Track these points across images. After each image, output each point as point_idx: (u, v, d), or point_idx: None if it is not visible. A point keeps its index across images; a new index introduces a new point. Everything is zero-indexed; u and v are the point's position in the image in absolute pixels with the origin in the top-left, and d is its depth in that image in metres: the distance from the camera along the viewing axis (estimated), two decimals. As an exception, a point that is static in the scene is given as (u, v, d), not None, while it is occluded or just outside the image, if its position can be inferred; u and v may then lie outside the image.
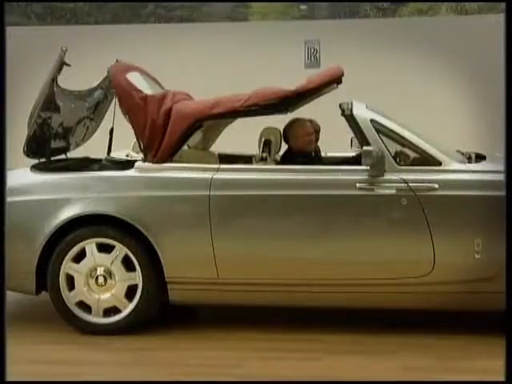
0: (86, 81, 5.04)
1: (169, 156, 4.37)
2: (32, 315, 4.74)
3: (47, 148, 4.63)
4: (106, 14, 9.41)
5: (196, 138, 4.79)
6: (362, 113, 4.29)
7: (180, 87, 4.85)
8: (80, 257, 4.30)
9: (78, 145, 5.24)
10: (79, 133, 5.16)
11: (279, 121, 4.79)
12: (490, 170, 4.15)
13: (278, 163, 4.83)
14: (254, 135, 4.87)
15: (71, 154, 5.16)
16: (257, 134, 4.85)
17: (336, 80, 4.47)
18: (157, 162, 4.35)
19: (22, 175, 4.55)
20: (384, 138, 4.20)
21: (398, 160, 4.23)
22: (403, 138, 4.28)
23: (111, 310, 4.29)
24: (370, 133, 4.19)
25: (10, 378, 3.23)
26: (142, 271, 4.23)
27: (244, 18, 9.51)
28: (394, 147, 4.31)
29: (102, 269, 4.27)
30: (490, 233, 3.97)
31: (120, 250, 4.24)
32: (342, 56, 8.59)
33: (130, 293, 4.27)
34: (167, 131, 4.36)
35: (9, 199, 4.16)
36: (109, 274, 4.28)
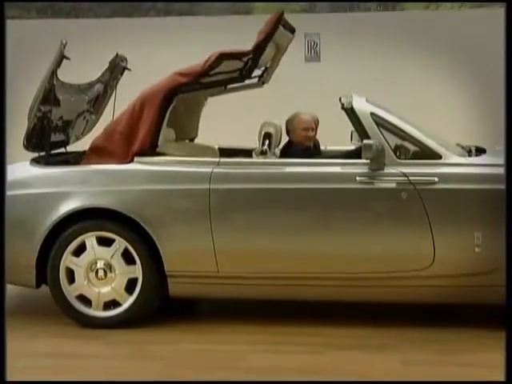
0: (85, 74, 5.04)
1: (151, 143, 4.35)
2: (32, 308, 4.74)
3: (47, 142, 4.62)
4: (106, 8, 9.40)
5: (177, 128, 4.80)
6: (361, 106, 4.28)
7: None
8: (80, 250, 4.30)
9: (77, 138, 5.24)
10: (79, 126, 5.16)
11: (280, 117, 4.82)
12: (490, 164, 4.14)
13: (278, 157, 4.82)
14: (254, 129, 4.86)
15: (71, 148, 5.15)
16: (257, 128, 4.84)
17: (279, 21, 4.42)
18: (141, 153, 4.33)
19: (21, 169, 4.55)
20: (384, 132, 4.20)
21: (397, 153, 4.23)
22: (403, 131, 4.28)
23: (111, 304, 4.30)
24: (370, 126, 4.19)
25: (9, 371, 3.23)
26: (142, 265, 4.23)
27: (244, 12, 9.49)
28: (394, 141, 4.30)
29: (102, 262, 4.27)
30: (490, 226, 3.97)
31: (120, 243, 4.24)
32: (342, 49, 8.62)
33: (130, 286, 4.27)
34: (142, 119, 4.35)
35: (8, 193, 4.15)
36: (109, 268, 4.28)
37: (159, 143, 4.48)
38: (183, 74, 4.42)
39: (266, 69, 5.12)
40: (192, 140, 5.37)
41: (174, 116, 4.61)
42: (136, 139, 4.35)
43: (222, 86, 4.91)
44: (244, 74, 4.46)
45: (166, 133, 4.66)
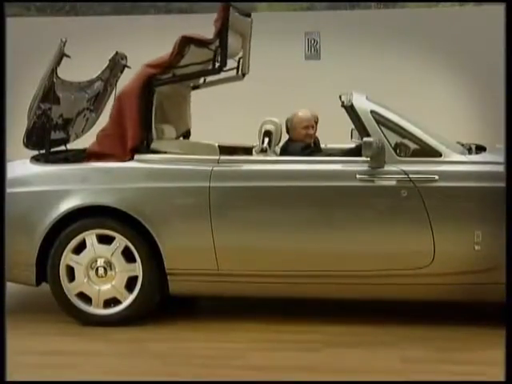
0: (85, 72, 5.03)
1: (142, 138, 4.38)
2: (32, 306, 4.75)
3: (47, 139, 4.62)
4: (106, 6, 9.36)
5: (168, 124, 4.86)
6: (362, 104, 4.28)
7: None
8: (80, 248, 4.30)
9: (77, 136, 5.24)
10: (79, 124, 5.16)
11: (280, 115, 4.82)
12: (490, 162, 4.14)
13: (278, 155, 4.83)
14: (254, 126, 4.87)
15: (71, 146, 5.15)
16: (257, 126, 4.84)
17: (228, 8, 4.41)
18: (136, 150, 4.35)
19: (21, 166, 4.55)
20: (384, 129, 4.20)
21: (398, 151, 4.23)
22: (403, 129, 4.28)
23: (111, 302, 4.30)
24: (370, 124, 4.19)
25: (9, 369, 3.23)
26: (142, 262, 4.23)
27: (247, 9, 9.46)
28: (395, 138, 4.30)
29: (103, 260, 4.28)
30: (490, 224, 3.97)
31: (120, 241, 4.24)
32: (342, 47, 8.61)
33: (131, 284, 4.28)
34: (126, 116, 4.38)
35: (8, 190, 4.15)
36: (109, 266, 4.28)
37: (157, 141, 4.50)
38: (152, 65, 4.47)
39: (239, 59, 5.14)
40: (188, 133, 5.38)
41: (162, 113, 4.67)
42: (127, 137, 4.36)
43: (198, 77, 4.98)
44: (218, 65, 4.45)
45: (166, 130, 4.67)
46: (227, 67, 4.61)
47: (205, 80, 5.22)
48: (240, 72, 5.19)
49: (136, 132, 4.36)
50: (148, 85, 4.41)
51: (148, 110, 4.42)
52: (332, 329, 4.18)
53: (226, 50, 4.40)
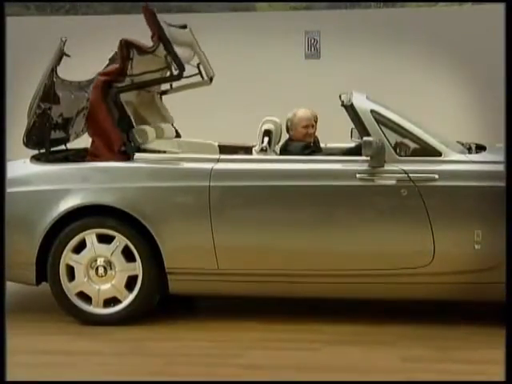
0: (85, 72, 5.03)
1: (124, 140, 4.44)
2: (32, 306, 4.75)
3: (47, 139, 4.62)
4: (105, 5, 9.36)
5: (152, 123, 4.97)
6: (362, 103, 4.28)
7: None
8: (80, 247, 4.30)
9: (77, 135, 5.23)
10: (79, 123, 5.15)
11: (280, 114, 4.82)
12: (490, 161, 4.14)
13: (278, 154, 4.83)
14: (254, 126, 4.87)
15: (71, 145, 5.15)
16: (257, 125, 4.85)
17: (151, 15, 4.47)
18: (124, 152, 4.39)
19: (21, 166, 4.55)
20: (384, 129, 4.20)
21: (398, 151, 4.23)
22: (403, 128, 4.28)
23: (111, 301, 4.30)
24: (370, 123, 4.19)
25: (9, 368, 3.24)
26: (142, 262, 4.23)
27: (245, 9, 9.45)
28: (394, 138, 4.30)
29: (102, 259, 4.28)
30: (490, 223, 3.97)
31: (120, 240, 4.24)
32: (342, 46, 8.60)
33: (130, 283, 4.28)
34: (101, 123, 4.48)
35: (9, 190, 4.16)
36: (109, 265, 4.28)
37: (157, 140, 4.51)
38: (104, 73, 4.62)
39: (198, 65, 5.22)
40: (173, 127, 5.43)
41: (140, 116, 4.85)
42: (112, 141, 4.42)
43: (159, 84, 5.09)
44: (178, 72, 4.51)
45: (167, 130, 4.68)
46: (190, 73, 4.72)
47: (171, 86, 5.31)
48: (206, 76, 5.26)
49: (116, 134, 4.43)
50: (107, 91, 4.51)
51: (120, 111, 4.51)
52: (332, 328, 4.18)
53: (176, 57, 4.46)
